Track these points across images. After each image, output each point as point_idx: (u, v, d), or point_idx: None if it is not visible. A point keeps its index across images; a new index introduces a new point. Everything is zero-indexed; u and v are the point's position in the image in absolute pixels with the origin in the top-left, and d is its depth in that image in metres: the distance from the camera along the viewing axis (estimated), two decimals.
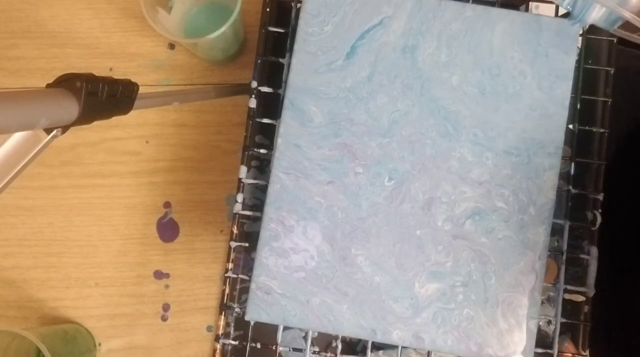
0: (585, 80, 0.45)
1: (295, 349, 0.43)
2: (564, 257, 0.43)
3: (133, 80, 0.33)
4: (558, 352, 0.42)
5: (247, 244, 0.46)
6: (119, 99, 0.31)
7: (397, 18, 0.39)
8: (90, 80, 0.28)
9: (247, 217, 0.47)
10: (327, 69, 0.38)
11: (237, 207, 0.45)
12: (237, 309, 0.47)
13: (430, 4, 0.39)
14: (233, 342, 0.46)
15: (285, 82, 0.39)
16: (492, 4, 0.44)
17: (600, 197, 0.45)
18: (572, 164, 0.44)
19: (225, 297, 0.47)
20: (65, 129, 0.28)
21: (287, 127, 0.38)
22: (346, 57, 0.38)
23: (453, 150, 0.38)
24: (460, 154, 0.38)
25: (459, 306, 0.37)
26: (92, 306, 0.50)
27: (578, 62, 0.44)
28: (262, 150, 0.45)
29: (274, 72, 0.46)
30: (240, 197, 0.45)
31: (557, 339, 0.42)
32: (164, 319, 0.50)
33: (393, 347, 0.45)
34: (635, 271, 0.51)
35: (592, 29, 0.45)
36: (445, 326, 0.37)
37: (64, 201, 0.51)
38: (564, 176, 0.44)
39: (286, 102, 0.38)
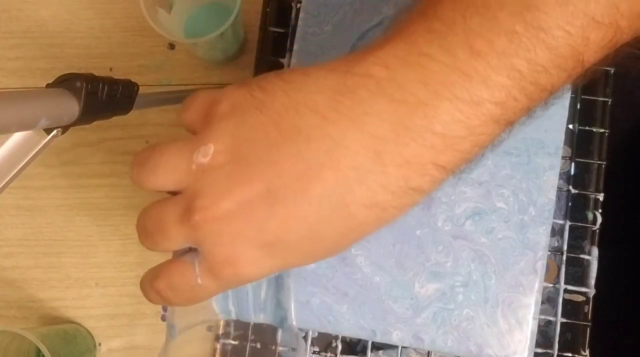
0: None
1: (295, 349, 0.43)
2: (564, 257, 0.43)
3: (133, 80, 0.33)
4: (558, 352, 0.42)
5: None
6: (119, 99, 0.31)
7: None
8: (90, 80, 0.28)
9: None
10: None
11: None
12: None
13: None
14: (233, 342, 0.46)
15: None
16: None
17: (601, 197, 0.45)
18: (572, 164, 0.44)
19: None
20: (65, 129, 0.28)
21: None
22: None
23: None
24: None
25: (459, 306, 0.37)
26: (92, 305, 0.50)
27: None
28: None
29: None
30: None
31: (557, 339, 0.42)
32: (164, 319, 0.50)
33: (393, 347, 0.45)
34: (636, 271, 0.51)
35: None
36: (445, 326, 0.37)
37: (64, 201, 0.51)
38: (564, 176, 0.44)
39: None
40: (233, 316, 0.33)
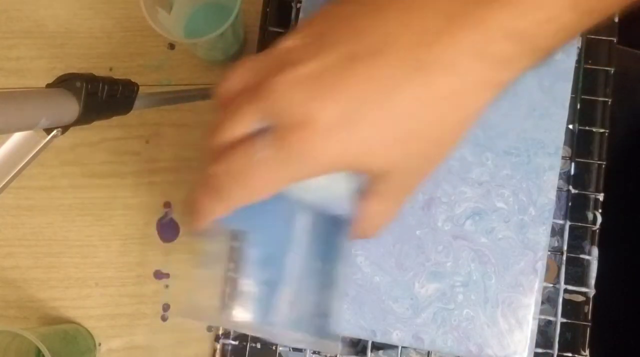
0: (585, 80, 0.45)
1: (295, 349, 0.43)
2: (564, 257, 0.43)
3: (133, 80, 0.33)
4: (558, 352, 0.42)
5: None
6: (119, 99, 0.31)
7: None
8: (90, 80, 0.28)
9: None
10: None
11: None
12: None
13: None
14: (233, 342, 0.46)
15: None
16: None
17: (601, 197, 0.45)
18: (572, 164, 0.44)
19: (226, 297, 0.47)
20: (65, 129, 0.28)
21: None
22: None
23: None
24: (460, 154, 0.38)
25: (459, 306, 0.37)
26: (92, 306, 0.50)
27: (578, 62, 0.44)
28: None
29: None
30: None
31: (557, 339, 0.42)
32: (164, 319, 0.50)
33: (393, 347, 0.45)
34: (636, 271, 0.51)
35: (592, 28, 0.44)
36: (445, 326, 0.37)
37: (64, 201, 0.51)
38: (564, 176, 0.44)
39: None
40: (267, 335, 0.30)
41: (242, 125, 0.24)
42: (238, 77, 0.26)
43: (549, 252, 0.40)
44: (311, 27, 0.26)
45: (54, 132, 0.28)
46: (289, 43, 0.25)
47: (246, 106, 0.24)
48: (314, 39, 0.25)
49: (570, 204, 0.44)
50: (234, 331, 0.47)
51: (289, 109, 0.24)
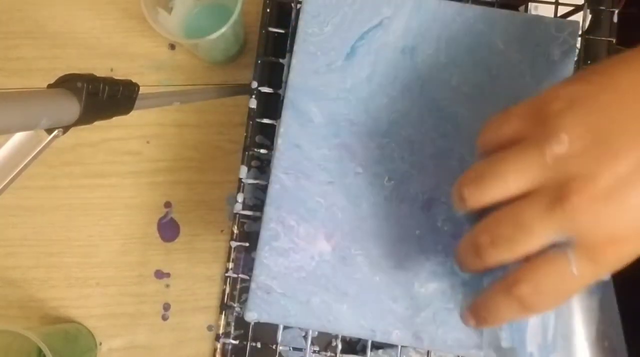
0: None
1: (295, 349, 0.43)
2: None
3: (134, 80, 0.33)
4: None
5: (247, 244, 0.46)
6: (119, 100, 0.31)
7: (396, 19, 0.39)
8: (91, 80, 0.29)
9: (248, 217, 0.47)
10: (327, 69, 0.39)
11: (238, 207, 0.45)
12: (237, 309, 0.47)
13: (430, 5, 0.39)
14: (233, 342, 0.46)
15: (285, 82, 0.39)
16: (492, 5, 0.44)
17: None
18: None
19: (226, 297, 0.47)
20: (66, 129, 0.28)
21: (287, 127, 0.38)
22: (346, 58, 0.39)
23: (452, 150, 0.38)
24: (460, 154, 0.38)
25: (459, 306, 0.37)
26: (93, 305, 0.50)
27: (577, 62, 0.44)
28: (262, 151, 0.45)
29: (274, 73, 0.46)
30: (240, 197, 0.45)
31: None
32: (164, 318, 0.50)
33: (393, 346, 0.45)
34: (636, 270, 0.51)
35: (592, 29, 0.45)
36: (445, 325, 0.37)
37: (65, 201, 0.51)
38: None
39: (286, 102, 0.38)
40: None
41: (539, 240, 0.25)
42: (511, 183, 0.25)
43: None
44: (580, 124, 0.24)
45: (55, 132, 0.28)
46: (562, 148, 0.24)
47: (540, 222, 0.24)
48: (592, 141, 0.24)
49: None
50: (234, 331, 0.47)
51: (596, 227, 0.24)
